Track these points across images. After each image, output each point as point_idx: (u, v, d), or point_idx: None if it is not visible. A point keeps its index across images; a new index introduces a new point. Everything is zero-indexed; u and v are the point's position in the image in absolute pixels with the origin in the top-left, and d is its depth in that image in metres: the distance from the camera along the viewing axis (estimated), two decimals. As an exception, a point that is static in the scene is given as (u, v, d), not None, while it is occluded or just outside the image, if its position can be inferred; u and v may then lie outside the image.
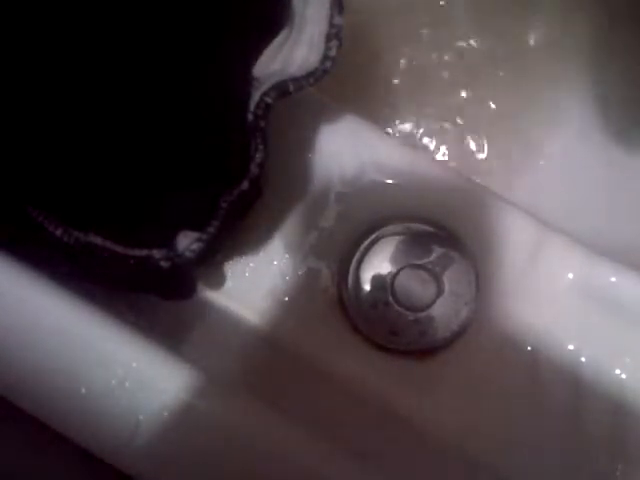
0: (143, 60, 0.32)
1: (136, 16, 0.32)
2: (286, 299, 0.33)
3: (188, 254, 0.28)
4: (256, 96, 0.29)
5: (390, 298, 0.33)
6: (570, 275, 0.33)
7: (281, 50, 0.30)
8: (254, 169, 0.29)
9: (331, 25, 0.29)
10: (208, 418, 0.29)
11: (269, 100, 0.29)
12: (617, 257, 0.33)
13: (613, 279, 0.32)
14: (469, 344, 0.33)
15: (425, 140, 0.46)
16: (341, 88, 0.35)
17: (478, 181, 0.35)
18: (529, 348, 0.32)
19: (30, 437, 0.30)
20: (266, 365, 0.33)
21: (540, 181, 0.45)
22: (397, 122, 0.46)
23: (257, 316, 0.33)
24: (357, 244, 0.33)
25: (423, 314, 0.32)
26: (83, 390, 0.29)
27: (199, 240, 0.28)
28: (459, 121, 0.46)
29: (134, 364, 0.29)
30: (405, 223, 0.33)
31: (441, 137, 0.46)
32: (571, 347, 0.32)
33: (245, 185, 0.29)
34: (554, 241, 0.33)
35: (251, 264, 0.34)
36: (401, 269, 0.33)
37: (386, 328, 0.32)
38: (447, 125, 0.46)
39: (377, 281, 0.33)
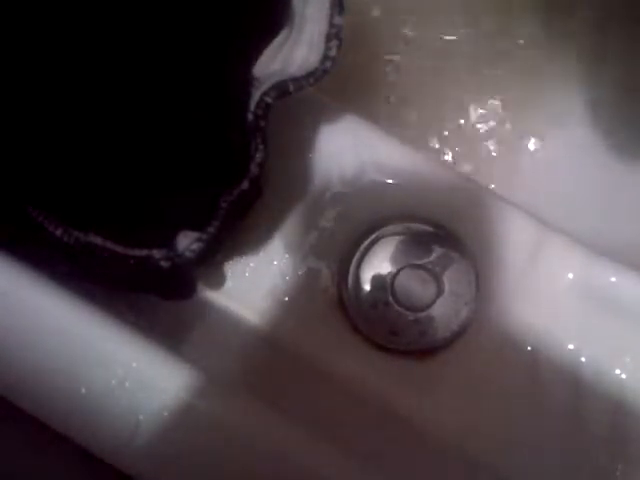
0: (143, 60, 0.32)
1: (136, 16, 0.32)
2: (286, 299, 0.33)
3: (188, 254, 0.28)
4: (256, 96, 0.29)
5: (390, 298, 0.33)
6: (570, 275, 0.33)
7: (281, 50, 0.30)
8: (254, 169, 0.29)
9: (331, 25, 0.29)
10: (208, 418, 0.29)
11: (269, 100, 0.29)
12: (617, 257, 0.33)
13: (613, 279, 0.32)
14: (469, 344, 0.33)
15: (425, 140, 0.46)
16: (341, 88, 0.35)
17: (478, 181, 0.35)
18: (529, 348, 0.32)
19: (30, 437, 0.30)
20: (266, 365, 0.33)
21: (540, 181, 0.45)
22: (397, 122, 0.46)
23: (257, 316, 0.33)
24: (357, 244, 0.33)
25: (423, 314, 0.32)
26: (83, 390, 0.29)
27: (199, 240, 0.28)
28: (459, 121, 0.46)
29: (134, 364, 0.29)
30: (405, 223, 0.33)
31: (441, 137, 0.46)
32: (571, 347, 0.32)
33: (245, 185, 0.29)
34: (554, 241, 0.33)
35: (251, 264, 0.34)
36: (401, 269, 0.33)
37: (386, 328, 0.32)
38: (447, 125, 0.46)
39: (377, 281, 0.33)
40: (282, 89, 0.29)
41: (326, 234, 0.34)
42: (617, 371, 0.32)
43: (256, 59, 0.30)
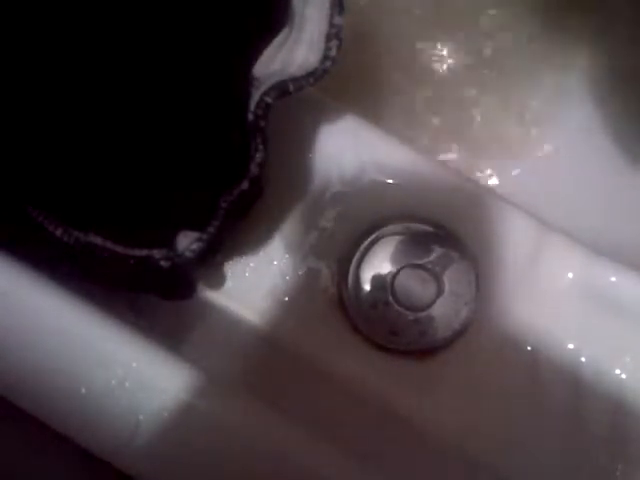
0: (143, 60, 0.32)
1: (136, 16, 0.32)
2: (286, 299, 0.33)
3: (188, 254, 0.28)
4: (256, 96, 0.29)
5: (390, 298, 0.33)
6: (570, 275, 0.33)
7: (281, 50, 0.30)
8: (254, 169, 0.29)
9: (331, 25, 0.29)
10: (208, 418, 0.29)
11: (269, 100, 0.29)
12: (617, 257, 0.33)
13: (613, 279, 0.32)
14: (469, 344, 0.33)
15: (425, 140, 0.46)
16: (342, 88, 0.35)
17: (478, 181, 0.35)
18: (529, 348, 0.32)
19: (30, 437, 0.30)
20: (266, 365, 0.33)
21: (540, 181, 0.45)
22: (398, 121, 0.46)
23: (257, 316, 0.33)
24: (357, 244, 0.33)
25: (423, 314, 0.32)
26: (83, 390, 0.29)
27: (199, 240, 0.28)
28: (460, 121, 0.46)
29: (134, 364, 0.29)
30: (405, 223, 0.33)
31: (441, 136, 0.46)
32: (571, 347, 0.32)
33: (245, 185, 0.29)
34: (554, 241, 0.33)
35: (251, 264, 0.34)
36: (401, 269, 0.33)
37: (386, 328, 0.32)
38: (448, 125, 0.46)
39: (377, 281, 0.33)
40: (282, 89, 0.29)
41: (326, 234, 0.34)
42: (617, 371, 0.32)
43: (256, 59, 0.30)
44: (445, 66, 0.47)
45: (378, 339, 0.33)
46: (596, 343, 0.32)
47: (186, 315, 0.33)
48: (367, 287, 0.33)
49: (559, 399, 0.32)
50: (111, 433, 0.28)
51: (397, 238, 0.33)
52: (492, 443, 0.32)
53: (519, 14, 0.47)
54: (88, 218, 0.29)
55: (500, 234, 0.33)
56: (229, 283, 0.34)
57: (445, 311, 0.32)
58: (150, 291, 0.31)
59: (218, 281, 0.34)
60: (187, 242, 0.28)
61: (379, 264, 0.33)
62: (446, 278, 0.33)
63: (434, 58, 0.47)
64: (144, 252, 0.28)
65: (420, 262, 0.33)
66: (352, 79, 0.44)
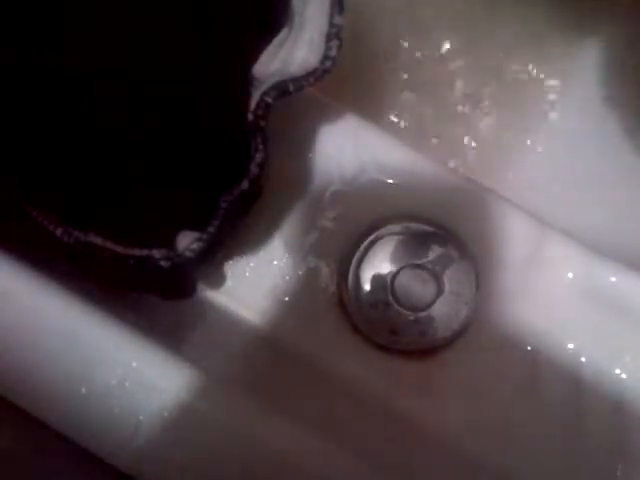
0: (142, 60, 0.32)
1: (137, 17, 0.32)
2: (286, 299, 0.33)
3: (188, 254, 0.28)
4: (256, 96, 0.29)
5: (390, 298, 0.33)
6: (570, 275, 0.33)
7: (281, 50, 0.30)
8: (254, 169, 0.29)
9: (331, 25, 0.29)
10: (208, 418, 0.29)
11: (269, 100, 0.29)
12: (617, 257, 0.33)
13: (613, 279, 0.32)
14: (469, 344, 0.33)
15: (426, 139, 0.46)
16: (341, 88, 0.35)
17: (478, 181, 0.35)
18: (529, 348, 0.32)
19: (30, 437, 0.30)
20: (266, 365, 0.33)
21: (540, 180, 0.45)
22: (397, 122, 0.46)
23: (257, 316, 0.33)
24: (357, 244, 0.33)
25: (423, 314, 0.32)
26: (83, 390, 0.29)
27: (199, 240, 0.28)
28: (460, 120, 0.46)
29: (134, 364, 0.29)
30: (405, 223, 0.33)
31: (442, 136, 0.46)
32: (571, 347, 0.32)
33: (245, 185, 0.29)
34: (554, 241, 0.33)
35: (251, 264, 0.34)
36: (401, 269, 0.33)
37: (386, 328, 0.32)
38: (448, 124, 0.46)
39: (377, 281, 0.33)
40: (282, 89, 0.29)
41: (326, 234, 0.34)
42: (617, 371, 0.32)
43: (256, 59, 0.30)
44: (446, 66, 0.47)
45: (378, 339, 0.33)
46: (596, 343, 0.32)
47: (186, 315, 0.33)
48: (367, 287, 0.33)
49: (559, 399, 0.32)
50: (111, 433, 0.28)
51: (397, 238, 0.33)
52: (492, 443, 0.32)
53: (520, 13, 0.47)
54: (88, 218, 0.29)
55: (500, 234, 0.33)
56: (229, 283, 0.34)
57: (445, 311, 0.32)
58: (150, 291, 0.31)
59: (218, 281, 0.34)
60: (187, 242, 0.28)
61: (379, 264, 0.33)
62: (446, 278, 0.33)
63: (434, 57, 0.47)
64: (144, 252, 0.28)
65: (420, 262, 0.33)
66: (351, 79, 0.44)
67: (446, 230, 0.33)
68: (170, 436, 0.28)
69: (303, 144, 0.34)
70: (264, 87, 0.29)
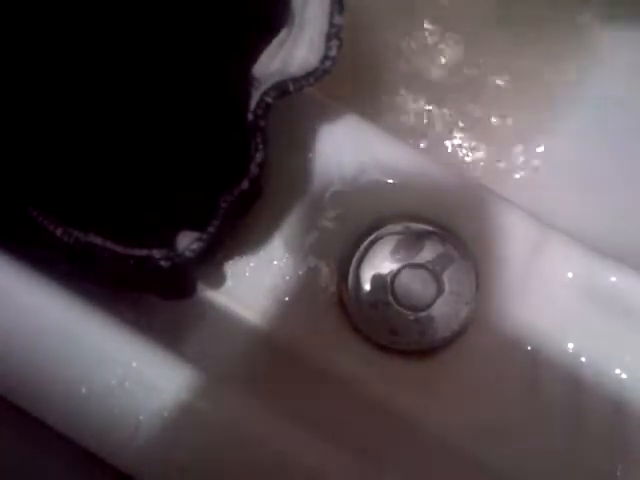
0: (142, 60, 0.32)
1: (136, 16, 0.32)
2: (286, 299, 0.33)
3: (188, 254, 0.28)
4: (256, 96, 0.29)
5: (390, 298, 0.33)
6: (570, 275, 0.33)
7: (281, 50, 0.30)
8: (254, 169, 0.29)
9: (331, 25, 0.29)
10: (208, 418, 0.29)
11: (269, 100, 0.29)
12: (617, 257, 0.33)
13: (613, 279, 0.32)
14: (469, 344, 0.33)
15: (426, 139, 0.46)
16: (341, 88, 0.35)
17: (478, 180, 0.35)
18: (529, 348, 0.32)
19: (30, 437, 0.30)
20: (266, 365, 0.33)
21: (540, 180, 0.45)
22: (397, 122, 0.46)
23: (257, 316, 0.33)
24: (357, 244, 0.33)
25: (423, 314, 0.32)
26: (83, 390, 0.29)
27: (199, 240, 0.28)
28: (460, 120, 0.46)
29: (134, 364, 0.29)
30: (405, 223, 0.33)
31: (442, 136, 0.46)
32: (571, 347, 0.32)
33: (245, 185, 0.29)
34: (554, 241, 0.33)
35: (251, 264, 0.34)
36: (401, 269, 0.33)
37: (386, 328, 0.32)
38: (448, 124, 0.46)
39: (377, 281, 0.33)
40: (282, 89, 0.29)
41: (326, 234, 0.34)
42: (617, 371, 0.32)
43: (256, 59, 0.30)
44: (446, 65, 0.47)
45: (378, 339, 0.33)
46: (596, 343, 0.32)
47: (186, 315, 0.33)
48: (367, 287, 0.33)
49: (559, 399, 0.32)
50: (111, 433, 0.28)
51: (397, 238, 0.33)
52: (492, 443, 0.32)
53: (523, 11, 0.47)
54: (88, 218, 0.29)
55: (500, 234, 0.33)
56: (229, 283, 0.34)
57: (445, 311, 0.32)
58: (150, 291, 0.31)
59: (218, 281, 0.34)
60: (187, 242, 0.28)
61: (379, 264, 0.33)
62: (446, 278, 0.33)
63: (434, 56, 0.47)
64: (144, 252, 0.28)
65: (420, 262, 0.33)
66: (351, 79, 0.44)
67: (446, 230, 0.33)
68: (170, 436, 0.28)
69: (303, 144, 0.34)
70: (264, 87, 0.29)
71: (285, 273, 0.33)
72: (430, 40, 0.47)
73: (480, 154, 0.46)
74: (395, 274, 0.33)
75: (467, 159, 0.46)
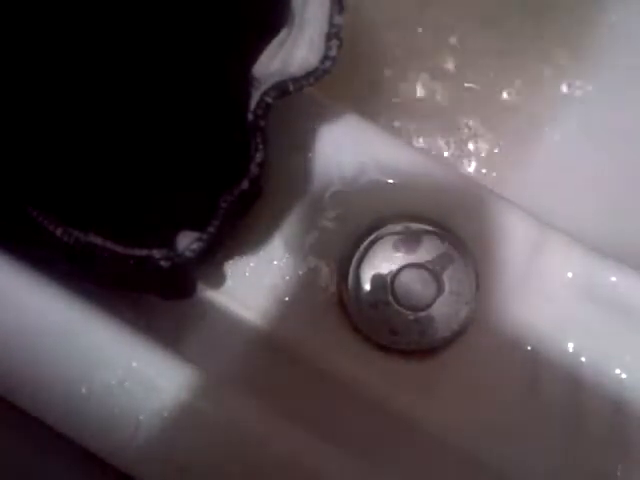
0: (142, 61, 0.32)
1: (136, 17, 0.32)
2: (286, 299, 0.33)
3: (188, 254, 0.28)
4: (256, 96, 0.29)
5: (390, 297, 0.33)
6: (570, 275, 0.33)
7: (281, 49, 0.30)
8: (254, 169, 0.29)
9: (331, 24, 0.29)
10: (208, 418, 0.29)
11: (269, 100, 0.29)
12: (617, 257, 0.33)
13: (613, 279, 0.32)
14: (469, 344, 0.33)
15: (426, 139, 0.46)
16: (341, 88, 0.35)
17: (478, 180, 0.35)
18: (529, 348, 0.32)
19: (30, 437, 0.30)
20: (266, 365, 0.33)
21: (540, 180, 0.45)
22: (397, 121, 0.46)
23: (257, 316, 0.33)
24: (357, 244, 0.33)
25: (423, 314, 0.32)
26: (83, 390, 0.29)
27: (199, 240, 0.29)
28: (460, 120, 0.46)
29: (134, 364, 0.29)
30: (405, 222, 0.33)
31: (442, 136, 0.46)
32: (571, 347, 0.32)
33: (245, 185, 0.29)
34: (554, 240, 0.33)
35: (251, 264, 0.34)
36: (401, 268, 0.33)
37: (386, 328, 0.32)
38: (448, 124, 0.46)
39: (377, 280, 0.33)
40: (282, 89, 0.29)
41: (326, 234, 0.34)
42: (617, 371, 0.32)
43: (256, 59, 0.30)
44: (445, 66, 0.47)
45: (378, 339, 0.33)
46: (596, 343, 0.32)
47: (186, 315, 0.33)
48: (367, 287, 0.33)
49: (559, 399, 0.32)
50: (111, 433, 0.28)
51: (397, 238, 0.33)
52: (492, 443, 0.32)
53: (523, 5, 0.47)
54: (88, 218, 0.29)
55: (500, 234, 0.33)
56: (229, 283, 0.34)
57: (445, 311, 0.32)
58: (150, 291, 0.31)
59: (218, 281, 0.34)
60: (187, 242, 0.28)
61: (379, 264, 0.33)
62: (446, 278, 0.33)
63: (434, 56, 0.47)
64: (144, 252, 0.28)
65: (420, 262, 0.33)
66: (351, 79, 0.44)
67: (446, 230, 0.33)
68: (170, 436, 0.28)
69: (303, 144, 0.34)
70: (264, 87, 0.29)
71: (285, 273, 0.33)
72: (431, 40, 0.47)
73: (480, 154, 0.46)
74: (395, 274, 0.33)
75: (467, 159, 0.46)
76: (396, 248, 0.33)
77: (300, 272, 0.33)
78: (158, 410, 0.28)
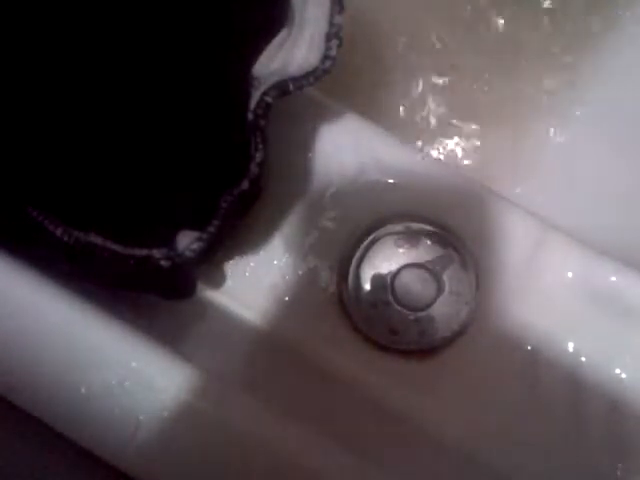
0: (143, 61, 0.32)
1: (136, 17, 0.32)
2: (286, 298, 0.33)
3: (188, 253, 0.28)
4: (256, 95, 0.29)
5: (390, 297, 0.33)
6: (570, 274, 0.33)
7: (281, 49, 0.30)
8: (254, 169, 0.29)
9: (331, 24, 0.29)
10: (208, 418, 0.29)
11: (269, 99, 0.29)
12: (617, 257, 0.33)
13: (613, 278, 0.32)
14: (469, 344, 0.33)
15: (425, 139, 0.46)
16: (341, 88, 0.35)
17: (478, 180, 0.35)
18: (529, 348, 0.32)
19: (30, 437, 0.30)
20: (266, 365, 0.33)
21: (540, 180, 0.45)
22: (397, 121, 0.46)
23: (257, 316, 0.33)
24: (357, 243, 0.33)
25: (423, 313, 0.32)
26: (83, 390, 0.29)
27: (199, 239, 0.28)
28: (459, 120, 0.46)
29: (134, 364, 0.29)
30: (405, 222, 0.33)
31: (441, 136, 0.46)
32: (571, 347, 0.32)
33: (245, 185, 0.29)
34: (554, 240, 0.33)
35: (251, 263, 0.34)
36: (401, 268, 0.33)
37: (386, 327, 0.32)
38: (447, 124, 0.46)
39: (377, 280, 0.33)
40: (282, 89, 0.29)
41: (326, 234, 0.34)
42: (617, 371, 0.32)
43: (256, 59, 0.30)
44: (445, 65, 0.47)
45: (378, 339, 0.33)
46: (596, 343, 0.32)
47: (186, 314, 0.33)
48: (367, 287, 0.33)
49: (559, 399, 0.32)
50: (111, 433, 0.28)
51: (397, 238, 0.33)
52: (492, 443, 0.32)
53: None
54: (88, 218, 0.29)
55: (500, 234, 0.33)
56: (229, 282, 0.34)
57: (445, 311, 0.32)
58: (150, 291, 0.31)
59: (218, 280, 0.34)
60: (187, 242, 0.28)
61: (379, 264, 0.33)
62: (446, 278, 0.33)
63: (434, 56, 0.47)
64: (144, 252, 0.28)
65: (420, 262, 0.33)
66: (351, 79, 0.44)
67: (446, 230, 0.33)
68: (170, 436, 0.28)
69: (303, 144, 0.34)
70: (264, 87, 0.29)
71: (285, 273, 0.33)
72: (432, 40, 0.47)
73: (480, 154, 0.46)
74: (395, 274, 0.33)
75: (467, 159, 0.46)
76: (396, 248, 0.33)
77: (300, 272, 0.33)
78: (158, 410, 0.28)
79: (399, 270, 0.33)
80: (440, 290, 0.33)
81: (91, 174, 0.31)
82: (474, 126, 0.46)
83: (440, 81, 0.47)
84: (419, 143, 0.46)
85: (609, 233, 0.40)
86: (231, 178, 0.29)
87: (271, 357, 0.33)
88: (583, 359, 0.32)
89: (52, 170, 0.30)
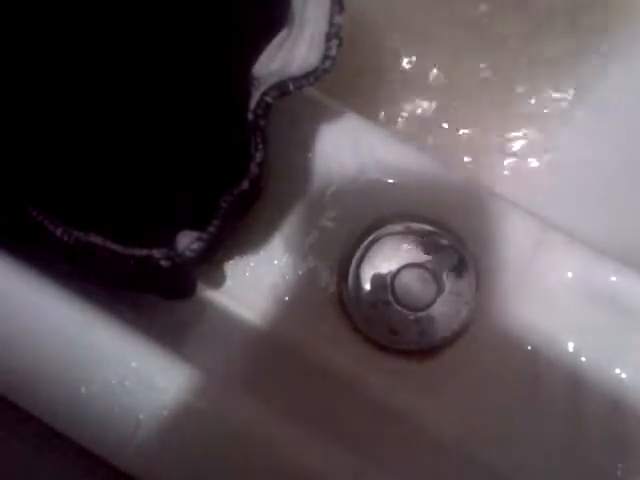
0: (143, 61, 0.32)
1: (136, 17, 0.32)
2: (286, 298, 0.33)
3: (188, 253, 0.28)
4: (256, 95, 0.29)
5: (390, 297, 0.33)
6: (570, 274, 0.33)
7: (281, 49, 0.30)
8: (254, 168, 0.29)
9: (331, 24, 0.29)
10: (208, 418, 0.29)
11: (269, 99, 0.29)
12: (617, 257, 0.33)
13: (613, 278, 0.32)
14: (469, 344, 0.33)
15: (425, 139, 0.46)
16: (341, 88, 0.35)
17: (478, 180, 0.35)
18: (529, 348, 0.32)
19: (30, 437, 0.30)
20: (266, 365, 0.33)
21: (541, 180, 0.45)
22: (397, 121, 0.46)
23: (257, 315, 0.33)
24: (357, 243, 0.33)
25: (423, 313, 0.32)
26: (83, 389, 0.29)
27: (199, 239, 0.29)
28: (460, 120, 0.46)
29: (134, 364, 0.29)
30: (405, 222, 0.33)
31: (441, 136, 0.46)
32: (571, 347, 0.32)
33: (245, 185, 0.29)
34: (554, 240, 0.33)
35: (251, 263, 0.34)
36: (401, 268, 0.33)
37: (386, 327, 0.32)
38: (447, 124, 0.46)
39: (377, 280, 0.33)
40: (282, 89, 0.29)
41: (326, 234, 0.34)
42: (617, 371, 0.32)
43: (256, 59, 0.30)
44: (445, 65, 0.47)
45: (378, 339, 0.33)
46: (596, 343, 0.32)
47: (186, 314, 0.33)
48: (367, 286, 0.33)
49: (559, 399, 0.32)
50: (111, 432, 0.28)
51: (397, 237, 0.33)
52: (492, 443, 0.32)
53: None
54: (88, 218, 0.29)
55: (500, 233, 0.33)
56: (229, 282, 0.34)
57: (445, 311, 0.32)
58: (150, 291, 0.31)
59: (218, 280, 0.34)
60: (187, 242, 0.28)
61: (379, 263, 0.33)
62: (446, 278, 0.33)
63: (434, 56, 0.47)
64: (144, 252, 0.28)
65: (420, 261, 0.33)
66: (352, 79, 0.44)
67: (446, 230, 0.33)
68: (170, 436, 0.28)
69: (303, 144, 0.34)
70: (264, 87, 0.29)
71: (285, 273, 0.33)
72: (432, 40, 0.47)
73: (480, 154, 0.46)
74: (395, 274, 0.33)
75: (466, 159, 0.46)
76: (396, 248, 0.33)
77: (300, 272, 0.34)
78: (158, 409, 0.28)
79: (399, 270, 0.33)
80: (440, 290, 0.33)
81: (91, 174, 0.31)
82: (474, 126, 0.46)
83: (440, 81, 0.47)
84: (419, 143, 0.46)
85: (609, 233, 0.40)
86: (231, 178, 0.29)
87: (271, 357, 0.33)
88: (583, 359, 0.32)
89: (52, 170, 0.30)
